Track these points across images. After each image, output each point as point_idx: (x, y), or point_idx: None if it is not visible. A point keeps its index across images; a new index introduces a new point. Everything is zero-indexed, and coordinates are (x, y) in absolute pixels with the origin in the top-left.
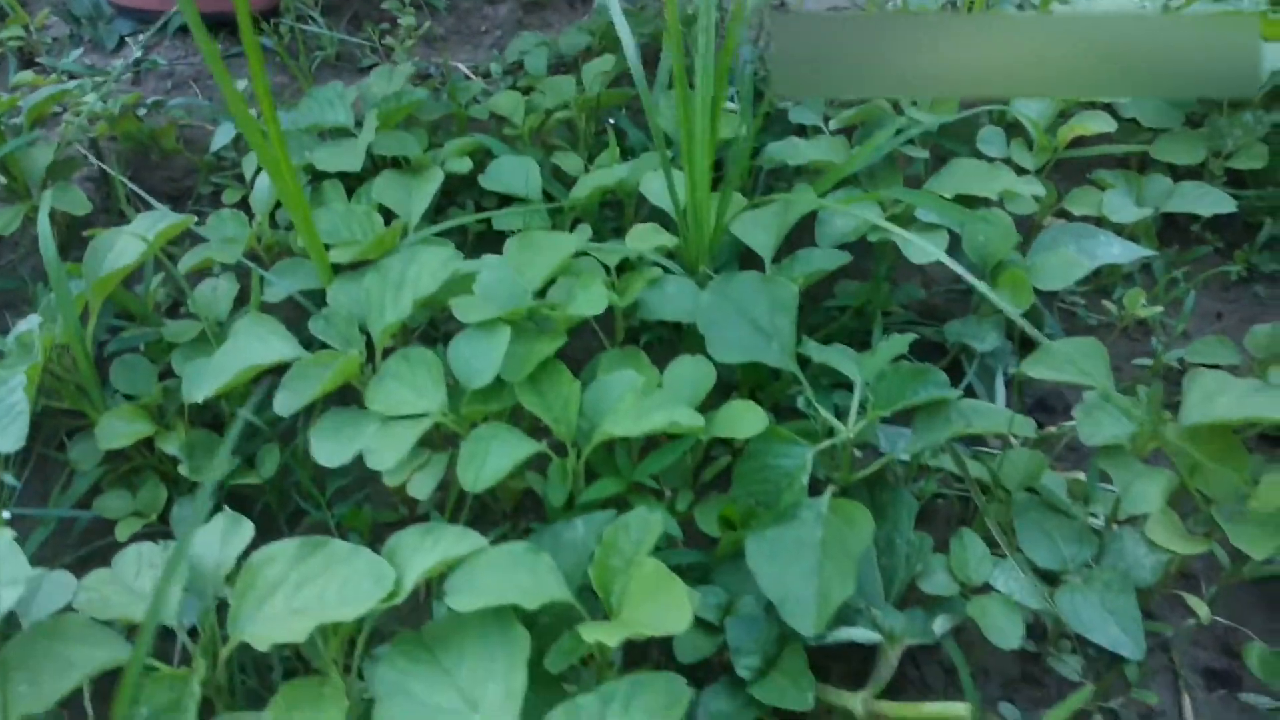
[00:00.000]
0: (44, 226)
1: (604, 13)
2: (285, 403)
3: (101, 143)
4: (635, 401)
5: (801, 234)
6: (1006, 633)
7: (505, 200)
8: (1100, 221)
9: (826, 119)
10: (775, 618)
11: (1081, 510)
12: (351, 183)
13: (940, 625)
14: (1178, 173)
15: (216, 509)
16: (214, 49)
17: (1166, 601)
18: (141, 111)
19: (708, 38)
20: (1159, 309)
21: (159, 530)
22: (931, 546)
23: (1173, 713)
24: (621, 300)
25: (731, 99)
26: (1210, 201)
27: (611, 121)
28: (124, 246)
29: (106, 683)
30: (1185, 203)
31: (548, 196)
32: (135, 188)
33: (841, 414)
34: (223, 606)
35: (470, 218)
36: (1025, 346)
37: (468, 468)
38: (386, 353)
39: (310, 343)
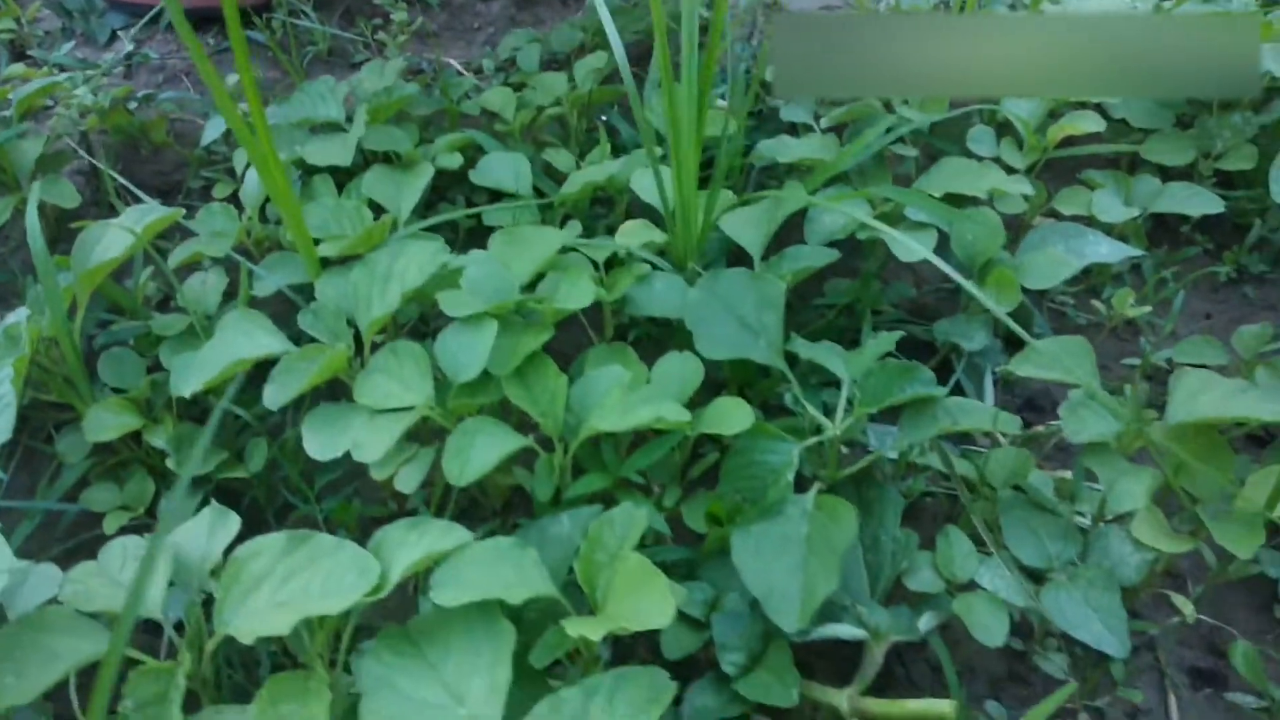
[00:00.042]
0: (32, 219)
1: (596, 10)
2: (273, 396)
3: (92, 136)
4: (622, 397)
5: (791, 231)
6: (992, 630)
7: (496, 196)
8: (1089, 221)
9: (817, 117)
10: (761, 614)
11: (1067, 508)
12: (342, 177)
13: (926, 622)
14: (1167, 173)
15: (204, 503)
16: (199, 44)
17: (1153, 600)
18: (132, 105)
19: (691, 35)
20: (1147, 309)
21: (146, 523)
22: (918, 544)
23: (1158, 711)
24: (609, 296)
25: (723, 97)
26: (1199, 202)
27: (603, 118)
28: (112, 239)
29: (92, 675)
30: (1174, 203)
31: (539, 193)
32: (125, 181)
33: (829, 411)
34: (209, 600)
35: (460, 213)
36: (1014, 345)
37: (453, 461)
38: (375, 347)
39: (300, 337)
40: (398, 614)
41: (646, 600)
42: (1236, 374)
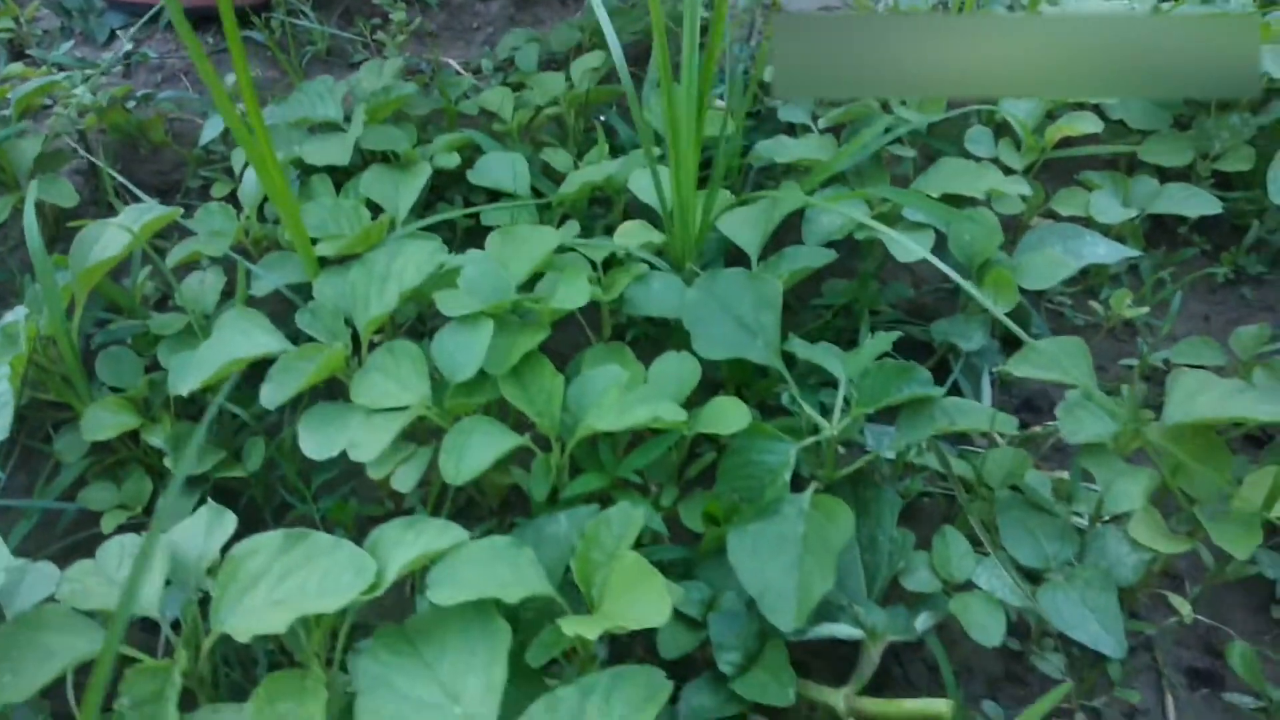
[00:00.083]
0: (30, 218)
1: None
2: (271, 395)
3: (90, 135)
4: (619, 396)
5: (789, 232)
6: (989, 630)
7: (494, 196)
8: (1087, 222)
9: (815, 117)
10: (757, 613)
11: (1064, 509)
12: (340, 177)
13: (922, 622)
14: (1165, 174)
15: (202, 502)
16: (198, 43)
17: (1150, 601)
18: (131, 104)
19: (692, 36)
20: (1145, 310)
21: (144, 522)
22: (914, 544)
23: (1156, 712)
24: (607, 296)
25: (721, 97)
26: (1197, 203)
27: (601, 118)
28: (110, 238)
29: (89, 673)
30: (1172, 204)
31: (536, 193)
32: (123, 180)
33: (826, 411)
34: (206, 599)
35: (458, 213)
36: (1012, 346)
37: (449, 460)
38: (372, 346)
39: (297, 336)
40: (394, 613)
41: (643, 599)
42: (1234, 375)
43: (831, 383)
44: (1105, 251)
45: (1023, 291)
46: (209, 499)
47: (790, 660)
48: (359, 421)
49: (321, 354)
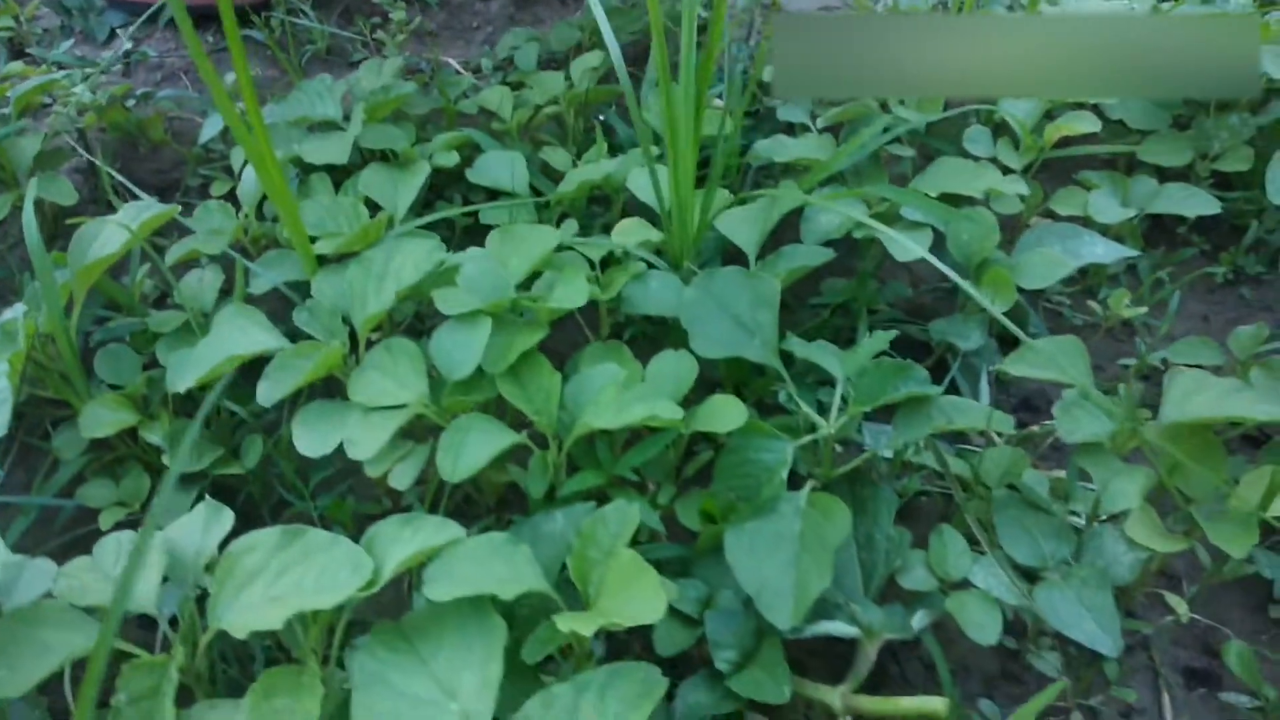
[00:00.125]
0: (29, 215)
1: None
2: (268, 393)
3: (90, 134)
4: (617, 394)
5: (787, 231)
6: (985, 628)
7: (493, 194)
8: (1086, 222)
9: (814, 117)
10: (754, 611)
11: (1061, 508)
12: (339, 176)
13: (919, 620)
14: (1164, 174)
15: (199, 499)
16: (198, 42)
17: (1147, 600)
18: (130, 103)
19: (690, 35)
20: (1143, 310)
21: (142, 519)
22: (911, 542)
23: (1152, 711)
24: (605, 294)
25: (719, 96)
26: (1196, 203)
27: (600, 118)
28: (108, 236)
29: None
30: (1171, 204)
31: (535, 191)
32: (122, 179)
33: (824, 410)
34: (203, 595)
35: (457, 211)
36: (1009, 345)
37: (446, 457)
38: (370, 344)
39: (295, 334)
40: (391, 609)
41: (638, 596)
42: (1231, 375)
43: (829, 381)
44: (1103, 251)
45: (1021, 291)
46: (207, 496)
47: (787, 658)
48: (356, 419)
49: (319, 352)
